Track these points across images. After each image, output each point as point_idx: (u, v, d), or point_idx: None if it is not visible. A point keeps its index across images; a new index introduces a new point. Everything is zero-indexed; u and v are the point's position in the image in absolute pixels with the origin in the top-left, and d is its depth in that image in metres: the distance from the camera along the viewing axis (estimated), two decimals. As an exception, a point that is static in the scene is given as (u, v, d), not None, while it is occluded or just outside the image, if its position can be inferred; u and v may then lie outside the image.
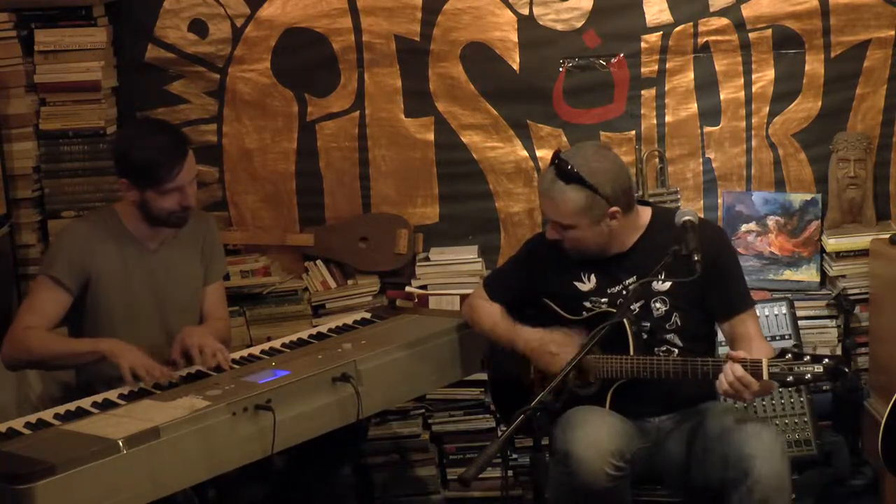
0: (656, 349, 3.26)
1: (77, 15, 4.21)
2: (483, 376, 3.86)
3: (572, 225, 3.23)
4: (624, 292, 3.28)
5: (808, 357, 2.97)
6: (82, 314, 3.47)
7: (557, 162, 3.22)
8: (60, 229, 3.90)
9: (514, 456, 3.91)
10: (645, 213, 3.35)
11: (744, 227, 4.39)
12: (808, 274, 4.34)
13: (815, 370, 2.94)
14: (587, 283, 3.34)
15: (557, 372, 2.93)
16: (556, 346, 3.27)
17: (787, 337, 4.11)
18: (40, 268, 3.54)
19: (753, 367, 2.98)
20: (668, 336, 3.27)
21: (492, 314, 3.50)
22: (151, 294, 3.53)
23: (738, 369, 2.98)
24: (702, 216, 3.63)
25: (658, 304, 3.27)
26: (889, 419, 3.48)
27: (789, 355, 2.98)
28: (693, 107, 4.39)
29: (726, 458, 3.06)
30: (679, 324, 3.27)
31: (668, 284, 3.22)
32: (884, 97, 4.32)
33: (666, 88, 4.38)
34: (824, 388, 4.15)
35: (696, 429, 3.22)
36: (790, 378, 2.97)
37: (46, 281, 3.43)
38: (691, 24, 4.32)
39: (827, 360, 2.95)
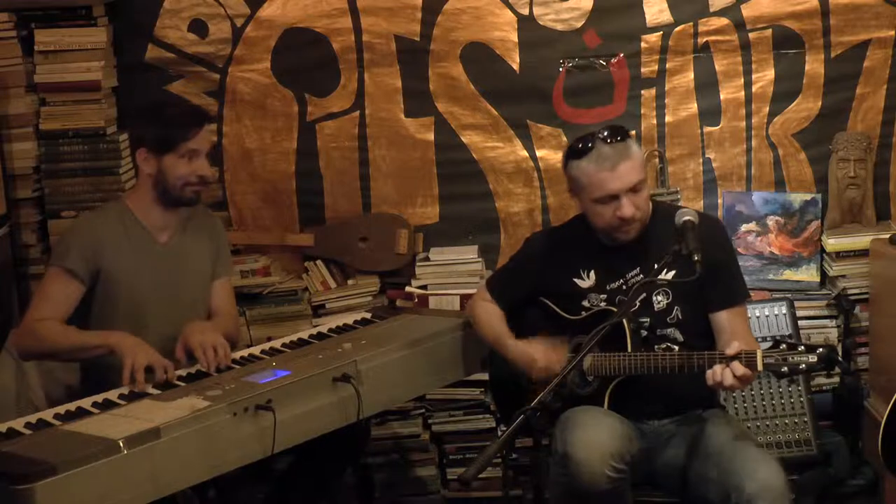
0: (656, 347, 3.25)
1: (77, 15, 4.21)
2: (483, 376, 3.86)
3: (644, 179, 3.23)
4: (624, 287, 3.28)
5: (803, 347, 2.95)
6: (91, 305, 3.47)
7: (606, 131, 3.20)
8: (71, 222, 3.91)
9: (514, 456, 3.91)
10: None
11: (744, 227, 4.39)
12: (808, 274, 4.34)
13: (810, 360, 2.93)
14: (587, 280, 3.33)
15: (556, 373, 2.93)
16: (542, 363, 3.27)
17: (786, 337, 4.10)
18: (52, 259, 3.54)
19: (748, 359, 2.97)
20: (668, 331, 3.26)
21: (487, 319, 3.50)
22: (161, 286, 3.53)
23: (739, 369, 2.96)
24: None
25: (660, 297, 3.27)
26: (889, 419, 3.48)
27: (783, 346, 2.97)
28: (693, 107, 4.39)
29: (726, 485, 3.01)
30: (680, 317, 3.26)
31: (670, 275, 3.20)
32: (884, 97, 4.32)
33: (666, 88, 4.38)
34: (824, 387, 4.17)
35: (697, 439, 3.18)
36: (785, 368, 2.95)
37: (59, 272, 3.43)
38: (691, 24, 4.32)
39: (821, 349, 2.94)
